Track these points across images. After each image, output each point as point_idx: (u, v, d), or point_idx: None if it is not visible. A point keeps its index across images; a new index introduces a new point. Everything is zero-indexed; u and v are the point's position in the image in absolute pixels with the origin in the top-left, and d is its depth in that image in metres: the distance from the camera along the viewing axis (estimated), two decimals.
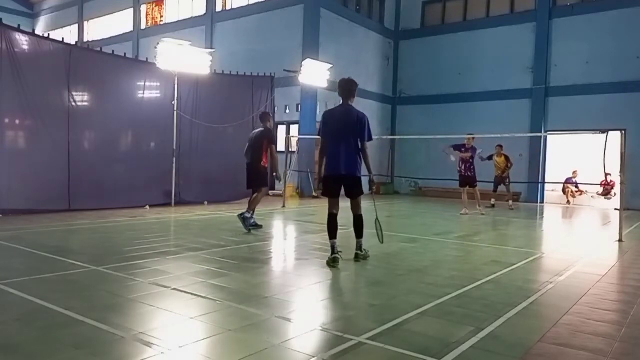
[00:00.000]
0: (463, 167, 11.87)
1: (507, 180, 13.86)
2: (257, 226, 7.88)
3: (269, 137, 7.97)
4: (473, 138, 12.00)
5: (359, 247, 5.57)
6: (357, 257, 5.53)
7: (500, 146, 13.75)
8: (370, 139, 5.46)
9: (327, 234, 5.49)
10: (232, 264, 5.35)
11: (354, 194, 5.46)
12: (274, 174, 7.96)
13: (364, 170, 5.49)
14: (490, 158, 13.77)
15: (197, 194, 11.99)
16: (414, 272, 5.18)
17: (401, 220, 11.14)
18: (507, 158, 13.82)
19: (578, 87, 15.92)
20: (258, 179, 7.92)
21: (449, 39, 18.84)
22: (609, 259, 6.50)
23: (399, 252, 6.46)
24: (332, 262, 5.29)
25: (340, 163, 5.33)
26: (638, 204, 13.66)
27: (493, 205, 13.72)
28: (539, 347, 3.08)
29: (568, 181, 16.05)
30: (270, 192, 14.84)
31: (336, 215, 5.49)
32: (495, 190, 14.02)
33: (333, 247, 5.37)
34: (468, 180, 11.88)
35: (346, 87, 5.49)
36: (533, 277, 5.27)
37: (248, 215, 7.70)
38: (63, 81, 9.66)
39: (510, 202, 13.84)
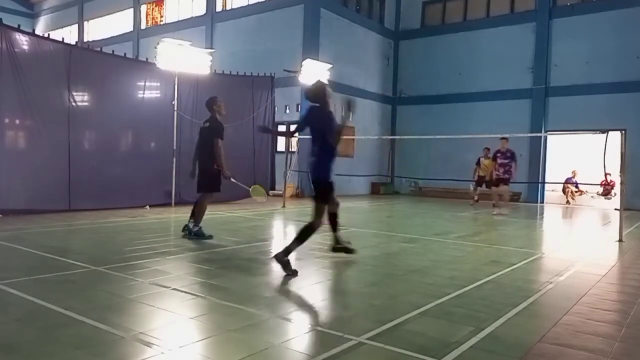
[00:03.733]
0: (502, 171, 11.95)
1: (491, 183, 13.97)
2: (204, 236, 6.83)
3: (215, 132, 6.85)
4: (507, 140, 12.02)
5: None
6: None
7: (488, 149, 13.78)
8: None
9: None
10: (232, 263, 5.34)
11: None
12: (223, 173, 6.85)
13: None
14: (477, 162, 14.00)
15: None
16: (414, 272, 5.18)
17: (401, 220, 11.15)
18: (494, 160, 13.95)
19: (578, 87, 15.92)
20: (211, 180, 6.90)
21: (449, 39, 18.85)
22: (609, 259, 6.50)
23: (399, 252, 6.47)
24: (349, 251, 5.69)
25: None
26: (638, 204, 13.66)
27: (477, 201, 13.97)
28: (539, 347, 3.08)
29: (568, 181, 16.06)
30: (270, 192, 14.83)
31: None
32: (475, 189, 14.27)
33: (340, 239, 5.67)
34: (503, 180, 11.94)
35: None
36: (533, 277, 5.27)
37: (196, 229, 6.85)
38: (63, 81, 9.65)
39: (494, 201, 13.99)
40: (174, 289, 4.19)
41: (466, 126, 16.35)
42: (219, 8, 19.55)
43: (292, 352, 2.92)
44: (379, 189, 19.04)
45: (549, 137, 16.64)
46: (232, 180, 7.01)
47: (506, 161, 11.86)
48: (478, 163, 14.06)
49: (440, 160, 17.79)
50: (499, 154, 11.98)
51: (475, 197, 14.35)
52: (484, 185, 14.06)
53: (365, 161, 18.70)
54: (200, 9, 20.31)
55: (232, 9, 19.12)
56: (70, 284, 4.31)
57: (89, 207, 9.81)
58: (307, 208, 12.39)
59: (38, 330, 3.13)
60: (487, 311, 3.78)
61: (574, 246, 7.86)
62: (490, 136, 12.21)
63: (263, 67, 14.52)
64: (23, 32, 9.18)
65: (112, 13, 25.45)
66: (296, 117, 16.24)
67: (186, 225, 6.99)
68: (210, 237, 6.86)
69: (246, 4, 18.54)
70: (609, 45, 15.50)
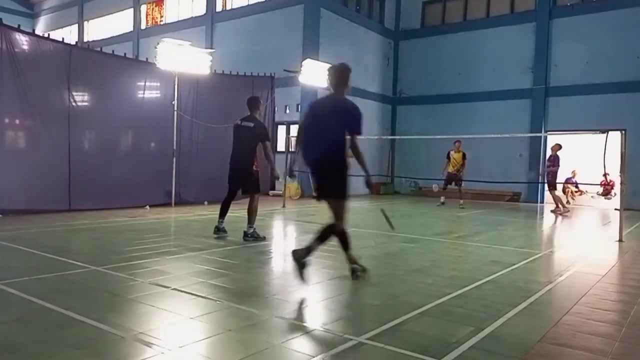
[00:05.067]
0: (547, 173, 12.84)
1: (460, 179, 13.60)
2: (259, 238, 6.93)
3: (264, 135, 6.90)
4: (558, 145, 12.66)
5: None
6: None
7: (459, 142, 13.52)
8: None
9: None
10: (232, 264, 5.35)
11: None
12: (274, 174, 7.12)
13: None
14: (448, 155, 13.70)
15: (197, 194, 11.98)
16: (414, 272, 5.18)
17: (401, 220, 11.13)
18: (464, 155, 13.52)
19: (578, 87, 15.92)
20: (254, 182, 6.94)
21: (449, 39, 18.84)
22: (609, 259, 6.50)
23: (399, 252, 6.47)
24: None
25: None
26: (638, 204, 13.66)
27: (443, 203, 13.48)
28: (539, 347, 3.08)
29: (568, 181, 16.06)
30: (270, 193, 14.85)
31: None
32: (444, 188, 13.73)
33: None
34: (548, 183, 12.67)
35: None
36: (533, 277, 5.27)
37: (251, 231, 6.88)
38: (63, 81, 9.66)
39: (461, 200, 13.59)
40: (174, 289, 4.19)
41: (466, 126, 16.33)
42: (219, 8, 19.55)
43: (292, 352, 2.92)
44: (379, 189, 19.03)
45: (549, 137, 16.63)
46: (279, 180, 7.28)
47: (548, 163, 12.64)
48: (448, 157, 13.64)
49: (440, 160, 17.73)
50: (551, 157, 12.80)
51: (442, 199, 13.61)
52: (453, 183, 13.62)
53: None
54: (200, 9, 20.30)
55: (232, 9, 19.12)
56: (70, 284, 4.31)
57: (89, 207, 9.81)
58: (307, 208, 12.43)
59: (38, 330, 3.13)
60: (487, 311, 3.78)
61: (574, 246, 7.85)
62: (491, 136, 12.20)
63: (263, 67, 14.52)
64: (23, 32, 9.18)
65: (112, 13, 25.45)
66: (296, 117, 16.25)
67: (244, 232, 6.93)
68: (264, 238, 6.95)
69: (246, 4, 18.54)
70: (608, 46, 15.49)
